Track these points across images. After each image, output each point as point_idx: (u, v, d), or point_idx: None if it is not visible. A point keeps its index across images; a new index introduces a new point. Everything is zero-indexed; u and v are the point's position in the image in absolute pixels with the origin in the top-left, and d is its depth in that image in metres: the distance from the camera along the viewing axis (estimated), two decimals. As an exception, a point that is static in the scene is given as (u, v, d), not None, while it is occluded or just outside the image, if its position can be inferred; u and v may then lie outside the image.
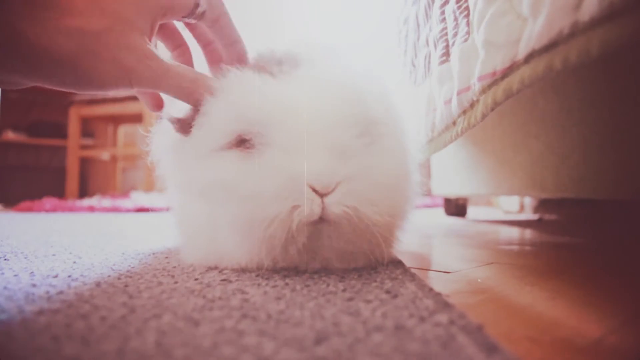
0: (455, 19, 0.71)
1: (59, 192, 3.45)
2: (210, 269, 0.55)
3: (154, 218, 1.65)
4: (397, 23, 1.13)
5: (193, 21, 0.55)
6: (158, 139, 0.62)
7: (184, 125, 0.55)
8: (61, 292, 0.43)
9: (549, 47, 0.46)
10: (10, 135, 3.82)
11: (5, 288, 0.45)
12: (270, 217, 0.47)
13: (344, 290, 0.44)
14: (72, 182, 3.55)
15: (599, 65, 0.90)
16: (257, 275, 0.51)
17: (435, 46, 0.82)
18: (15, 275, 0.51)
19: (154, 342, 0.30)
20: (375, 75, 0.58)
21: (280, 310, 0.37)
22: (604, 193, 1.00)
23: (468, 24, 0.67)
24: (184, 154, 0.56)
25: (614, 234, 1.13)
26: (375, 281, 0.48)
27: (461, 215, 1.78)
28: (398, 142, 0.58)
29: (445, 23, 0.76)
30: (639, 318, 0.40)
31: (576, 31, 0.42)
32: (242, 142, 0.51)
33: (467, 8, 0.67)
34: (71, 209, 2.15)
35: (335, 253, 0.52)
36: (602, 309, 0.43)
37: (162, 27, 0.57)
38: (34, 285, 0.46)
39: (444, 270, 0.61)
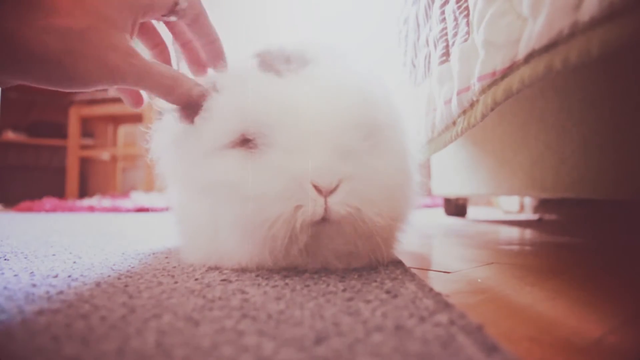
0: (455, 19, 0.71)
1: (59, 192, 3.45)
2: (210, 269, 0.55)
3: (154, 218, 1.65)
4: (397, 23, 1.14)
5: (173, 19, 0.55)
6: (158, 136, 0.62)
7: (189, 113, 0.55)
8: (61, 292, 0.43)
9: (549, 47, 0.46)
10: (10, 135, 3.82)
11: (5, 288, 0.45)
12: (274, 217, 0.47)
13: (344, 290, 0.44)
14: (72, 182, 3.55)
15: (599, 65, 0.90)
16: (257, 275, 0.51)
17: (435, 46, 0.82)
18: (15, 275, 0.51)
19: (154, 342, 0.30)
20: (378, 77, 0.58)
21: (280, 310, 0.37)
22: (604, 193, 1.00)
23: (468, 24, 0.67)
24: (185, 151, 0.56)
25: (614, 234, 1.12)
26: (375, 281, 0.48)
27: (461, 215, 1.78)
28: (399, 143, 0.58)
29: (445, 23, 0.76)
30: (639, 318, 0.40)
31: (576, 31, 0.42)
32: (245, 142, 0.51)
33: (467, 8, 0.67)
34: (71, 209, 2.15)
35: (336, 253, 0.52)
36: (602, 309, 0.43)
37: (141, 26, 0.57)
38: (34, 285, 0.46)
39: (444, 270, 0.61)
